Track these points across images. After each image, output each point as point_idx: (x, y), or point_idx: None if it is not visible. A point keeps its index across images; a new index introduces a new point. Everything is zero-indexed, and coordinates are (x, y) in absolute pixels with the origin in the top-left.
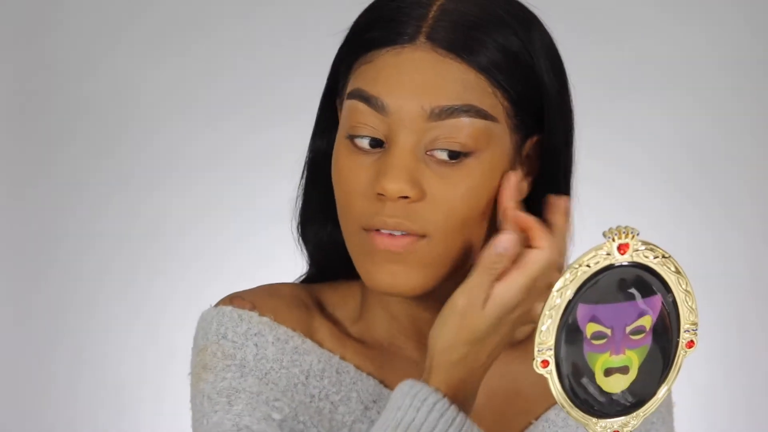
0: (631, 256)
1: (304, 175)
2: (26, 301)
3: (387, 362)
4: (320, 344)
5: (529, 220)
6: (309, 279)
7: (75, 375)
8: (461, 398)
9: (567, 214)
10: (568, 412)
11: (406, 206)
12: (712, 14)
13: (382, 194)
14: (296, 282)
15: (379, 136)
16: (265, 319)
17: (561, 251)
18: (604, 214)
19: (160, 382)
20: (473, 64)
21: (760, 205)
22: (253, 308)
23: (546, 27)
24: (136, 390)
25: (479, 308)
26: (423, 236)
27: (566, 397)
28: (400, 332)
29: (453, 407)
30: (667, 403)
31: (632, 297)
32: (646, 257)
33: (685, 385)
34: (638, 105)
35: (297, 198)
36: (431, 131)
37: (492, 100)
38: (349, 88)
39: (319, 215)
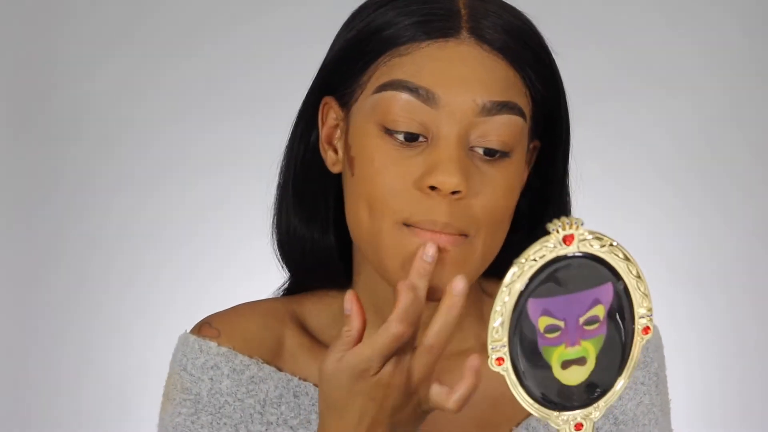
0: (578, 246)
1: (284, 183)
2: (27, 301)
3: None
4: (287, 363)
5: (399, 299)
6: (290, 289)
7: (77, 375)
8: None
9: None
10: (528, 408)
11: (454, 203)
12: (706, 16)
13: (434, 188)
14: (277, 294)
15: (422, 130)
16: (223, 350)
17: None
18: (599, 217)
19: (163, 383)
20: (514, 63)
21: (755, 207)
22: (218, 335)
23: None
24: (138, 391)
25: (331, 370)
26: (465, 235)
27: (525, 393)
28: None
29: None
30: (662, 403)
31: (582, 287)
32: (592, 246)
33: (683, 385)
34: (632, 107)
35: (275, 207)
36: (479, 126)
37: (525, 99)
38: (379, 81)
39: (304, 223)
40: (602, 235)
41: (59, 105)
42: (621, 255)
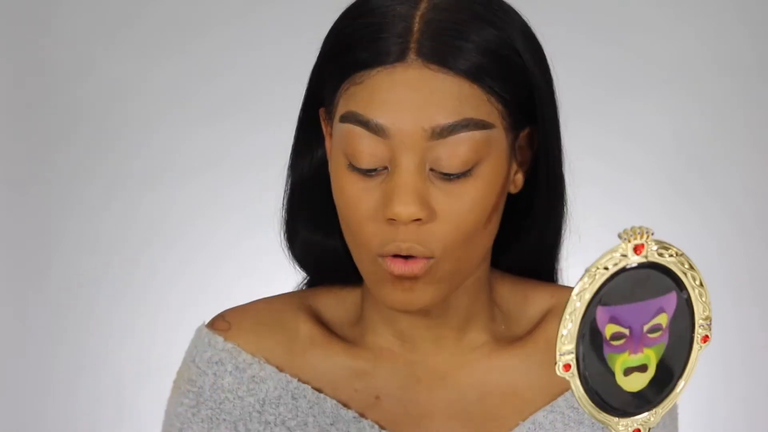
0: (646, 256)
1: (288, 192)
2: (22, 301)
3: (376, 364)
4: (297, 357)
5: None
6: (309, 284)
7: (75, 375)
8: None
9: None
10: (590, 414)
11: (418, 228)
12: (711, 14)
13: (393, 219)
14: (296, 288)
15: (382, 163)
16: (228, 345)
17: None
18: (604, 213)
19: (160, 382)
20: (465, 75)
21: (758, 205)
22: (229, 328)
23: (521, 14)
24: (136, 390)
25: None
26: (432, 257)
27: (589, 399)
28: (396, 336)
29: None
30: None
31: (648, 296)
32: (661, 256)
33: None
34: (638, 104)
35: (282, 211)
36: (434, 149)
37: (487, 107)
38: (341, 110)
39: (308, 228)
40: (669, 244)
41: (54, 105)
42: (686, 264)
